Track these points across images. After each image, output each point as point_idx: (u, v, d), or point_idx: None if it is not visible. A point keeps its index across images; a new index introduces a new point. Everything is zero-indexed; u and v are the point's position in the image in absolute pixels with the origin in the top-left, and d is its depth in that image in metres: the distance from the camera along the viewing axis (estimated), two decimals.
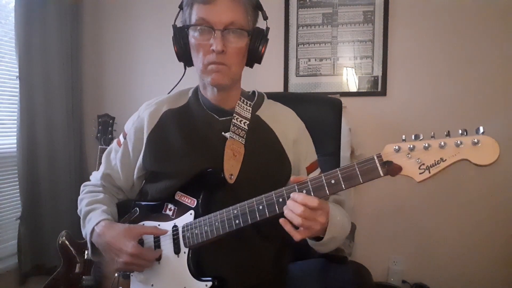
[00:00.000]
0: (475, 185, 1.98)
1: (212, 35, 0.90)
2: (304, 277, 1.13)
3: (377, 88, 2.08)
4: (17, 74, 1.93)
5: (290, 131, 1.04)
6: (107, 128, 2.08)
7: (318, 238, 0.88)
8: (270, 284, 1.00)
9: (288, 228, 0.79)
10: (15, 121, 1.95)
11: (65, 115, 2.17)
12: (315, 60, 2.14)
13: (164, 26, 2.26)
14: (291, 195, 0.80)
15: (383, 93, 2.06)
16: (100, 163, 1.95)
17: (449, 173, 2.17)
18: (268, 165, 0.99)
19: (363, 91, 2.09)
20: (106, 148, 2.01)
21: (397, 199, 2.07)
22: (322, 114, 1.36)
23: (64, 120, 2.16)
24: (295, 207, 0.77)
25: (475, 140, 0.64)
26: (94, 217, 1.01)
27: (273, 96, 1.18)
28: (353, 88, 2.11)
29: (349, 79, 2.11)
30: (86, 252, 1.87)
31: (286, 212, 0.79)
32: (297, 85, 2.17)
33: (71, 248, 1.88)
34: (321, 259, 1.15)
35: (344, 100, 1.57)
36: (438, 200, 2.03)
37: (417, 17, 2.01)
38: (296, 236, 0.79)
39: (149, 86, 2.35)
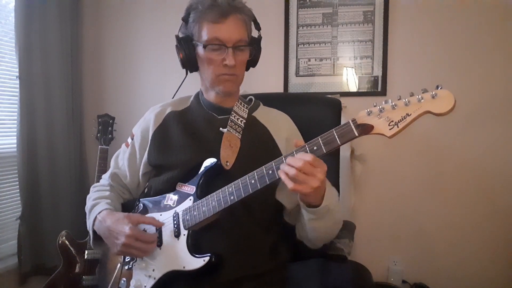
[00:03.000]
0: (476, 186, 1.98)
1: (224, 51, 1.03)
2: (304, 277, 1.14)
3: (377, 88, 2.08)
4: (17, 74, 1.93)
5: (283, 129, 1.14)
6: (107, 128, 2.08)
7: (314, 207, 0.92)
8: (268, 278, 1.02)
9: (283, 177, 0.84)
10: (15, 121, 1.95)
11: (65, 115, 2.17)
12: (315, 60, 2.14)
13: (164, 26, 2.28)
14: (292, 154, 0.87)
15: (383, 93, 2.06)
16: (100, 163, 1.99)
17: (450, 173, 2.16)
18: (262, 158, 1.03)
19: (363, 91, 2.09)
20: (106, 148, 2.05)
21: (397, 199, 2.08)
22: (321, 114, 1.37)
23: (64, 120, 2.16)
24: (294, 161, 0.83)
25: (433, 93, 0.75)
26: (97, 208, 1.08)
27: (272, 97, 1.20)
28: (353, 88, 2.11)
29: (349, 79, 2.11)
30: (86, 252, 1.88)
31: (282, 166, 0.85)
32: (297, 85, 2.17)
33: (71, 248, 1.88)
34: (320, 259, 1.15)
35: (344, 100, 1.57)
36: (438, 200, 2.03)
37: (417, 17, 2.01)
38: (290, 184, 0.84)
39: (149, 85, 2.35)
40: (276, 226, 1.10)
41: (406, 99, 0.77)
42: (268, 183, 0.89)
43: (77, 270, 1.88)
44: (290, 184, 0.84)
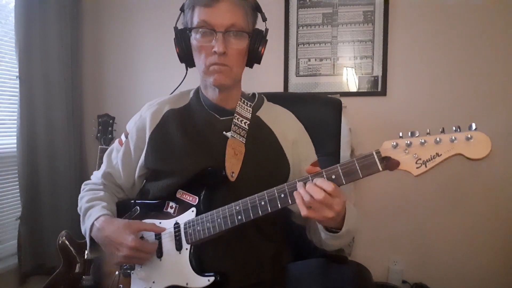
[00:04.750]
0: (475, 185, 1.98)
1: (214, 37, 0.93)
2: (304, 277, 1.13)
3: (377, 88, 2.08)
4: (17, 74, 1.93)
5: (289, 132, 1.06)
6: (107, 128, 2.08)
7: (333, 230, 0.88)
8: (270, 283, 1.01)
9: (299, 201, 0.80)
10: (15, 121, 1.95)
11: (65, 115, 2.17)
12: (315, 60, 2.14)
13: (164, 26, 2.28)
14: (314, 180, 0.80)
15: (383, 93, 2.06)
16: (100, 163, 1.97)
17: (450, 173, 2.16)
18: (268, 165, 1.01)
19: (363, 91, 2.09)
20: (106, 148, 2.03)
21: (397, 199, 2.08)
22: (322, 114, 1.36)
23: (64, 120, 2.16)
24: (314, 191, 0.78)
25: (468, 136, 0.68)
26: (94, 213, 1.02)
27: (273, 97, 1.18)
28: (353, 88, 2.11)
29: (349, 79, 2.11)
30: (86, 252, 1.87)
31: (300, 189, 0.80)
32: (297, 85, 2.17)
33: (71, 248, 1.88)
34: (321, 259, 1.15)
35: (344, 100, 1.57)
36: (438, 200, 2.03)
37: (417, 17, 2.01)
38: (304, 211, 0.79)
39: (149, 85, 2.35)
40: (279, 233, 1.07)
41: (438, 138, 0.70)
42: (279, 207, 0.84)
43: (77, 270, 1.87)
44: (304, 211, 0.79)
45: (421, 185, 2.04)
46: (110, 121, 2.10)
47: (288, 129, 1.07)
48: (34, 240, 2.00)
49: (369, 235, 2.08)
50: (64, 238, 1.88)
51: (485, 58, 1.95)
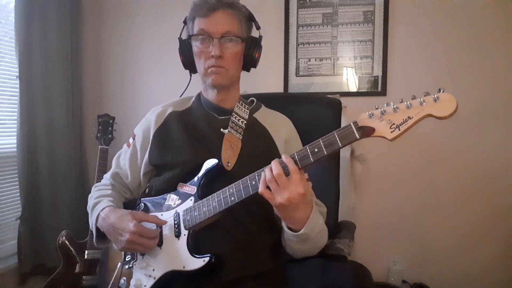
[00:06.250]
0: (475, 186, 1.98)
1: (211, 42, 1.04)
2: (304, 277, 1.14)
3: (377, 88, 2.08)
4: (17, 74, 1.93)
5: (282, 131, 1.15)
6: (107, 128, 2.08)
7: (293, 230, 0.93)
8: (269, 278, 1.03)
9: (261, 179, 0.87)
10: (15, 121, 1.95)
11: (65, 115, 2.17)
12: (315, 60, 2.14)
13: (164, 26, 2.28)
14: (281, 158, 0.88)
15: (383, 93, 2.06)
16: (100, 163, 1.99)
17: (450, 173, 2.15)
18: (262, 158, 1.04)
19: (363, 91, 2.09)
20: (106, 148, 2.05)
21: (397, 199, 2.08)
22: (321, 114, 1.37)
23: (64, 120, 2.16)
24: (275, 167, 0.86)
25: (435, 97, 0.75)
26: (100, 206, 1.09)
27: (273, 97, 1.19)
28: (353, 88, 2.11)
29: (349, 79, 2.11)
30: (86, 252, 1.88)
31: (267, 169, 0.88)
32: (297, 85, 2.17)
33: (71, 248, 1.89)
34: (321, 258, 1.15)
35: (344, 100, 1.57)
36: (438, 200, 2.03)
37: (417, 17, 2.01)
38: (261, 187, 0.87)
39: (149, 85, 2.35)
40: (276, 226, 1.09)
41: (408, 102, 0.77)
42: None
43: (77, 270, 1.87)
44: (261, 187, 0.86)
45: (422, 185, 2.04)
46: (110, 121, 2.10)
47: (281, 128, 1.16)
48: (34, 240, 2.00)
49: (369, 235, 2.08)
50: (64, 238, 1.89)
51: (486, 58, 1.94)
